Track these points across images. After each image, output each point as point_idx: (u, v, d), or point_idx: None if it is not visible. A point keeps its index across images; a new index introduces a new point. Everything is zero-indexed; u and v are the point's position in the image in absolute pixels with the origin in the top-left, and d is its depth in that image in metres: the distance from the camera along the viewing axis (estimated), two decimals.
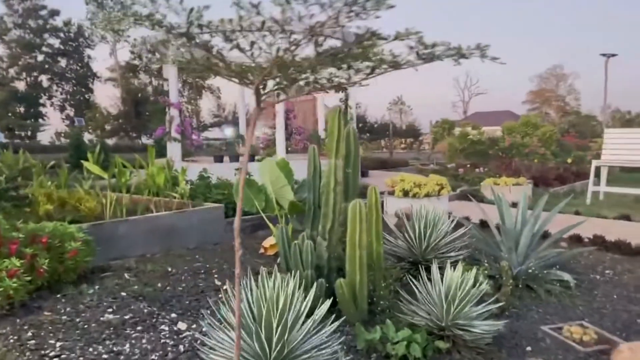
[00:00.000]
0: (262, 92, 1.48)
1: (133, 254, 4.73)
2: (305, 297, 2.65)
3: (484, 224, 6.08)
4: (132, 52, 48.78)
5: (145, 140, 38.43)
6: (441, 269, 3.19)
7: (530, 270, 4.09)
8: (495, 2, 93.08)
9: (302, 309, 2.46)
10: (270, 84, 1.50)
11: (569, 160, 14.39)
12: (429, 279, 3.24)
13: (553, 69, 65.35)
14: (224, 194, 5.79)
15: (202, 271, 4.35)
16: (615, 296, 4.00)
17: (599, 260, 5.00)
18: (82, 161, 5.95)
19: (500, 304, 3.24)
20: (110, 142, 34.21)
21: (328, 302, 2.69)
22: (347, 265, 3.43)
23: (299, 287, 2.53)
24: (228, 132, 32.77)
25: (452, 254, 4.34)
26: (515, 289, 3.93)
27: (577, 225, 4.43)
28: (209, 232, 5.32)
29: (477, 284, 3.17)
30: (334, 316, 2.68)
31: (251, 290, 2.52)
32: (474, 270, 3.24)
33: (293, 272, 3.72)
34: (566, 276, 4.08)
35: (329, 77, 1.51)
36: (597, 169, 9.94)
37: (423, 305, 3.17)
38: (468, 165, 12.54)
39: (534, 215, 4.22)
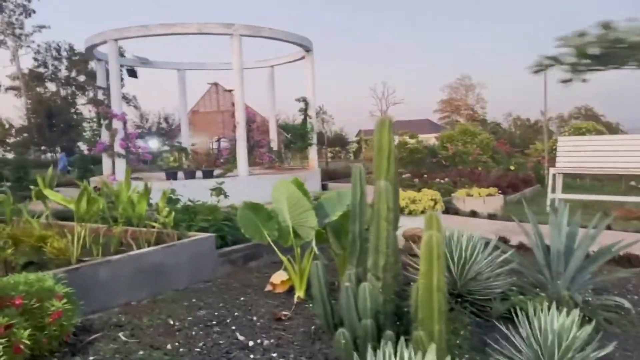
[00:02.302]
0: None
1: (115, 302, 3.81)
2: None
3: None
4: (35, 59, 44.87)
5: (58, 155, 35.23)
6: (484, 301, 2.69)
7: (589, 298, 3.71)
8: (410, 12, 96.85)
9: None
10: None
11: (512, 167, 14.73)
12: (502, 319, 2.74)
13: (462, 79, 68.64)
14: (208, 220, 4.96)
15: (213, 322, 3.54)
16: None
17: (620, 278, 4.74)
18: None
19: (609, 349, 2.78)
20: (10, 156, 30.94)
21: None
22: (419, 313, 2.83)
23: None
24: (153, 144, 30.80)
25: (497, 282, 3.87)
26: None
27: (633, 243, 4.10)
28: (200, 268, 4.49)
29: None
30: None
31: None
32: (576, 312, 2.77)
33: (346, 322, 3.07)
34: (626, 303, 3.75)
35: None
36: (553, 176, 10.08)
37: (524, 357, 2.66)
38: (425, 175, 12.35)
39: (589, 235, 3.85)
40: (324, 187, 10.88)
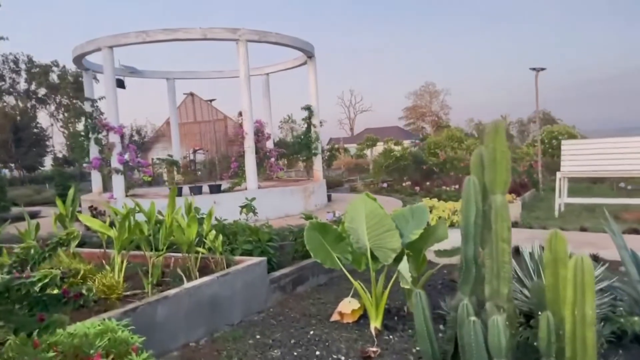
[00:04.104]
0: None
1: (174, 344, 3.27)
2: None
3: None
4: None
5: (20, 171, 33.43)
6: None
7: None
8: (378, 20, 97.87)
9: None
10: None
11: None
12: None
13: (426, 86, 69.23)
14: (251, 242, 4.45)
15: None
16: None
17: None
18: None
19: None
20: None
21: None
22: (569, 350, 2.45)
23: None
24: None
25: (597, 302, 3.52)
26: None
27: None
28: (252, 297, 3.98)
29: None
30: None
31: None
32: None
33: None
34: None
35: None
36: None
37: None
38: (428, 183, 12.04)
39: None
40: (329, 198, 10.43)
